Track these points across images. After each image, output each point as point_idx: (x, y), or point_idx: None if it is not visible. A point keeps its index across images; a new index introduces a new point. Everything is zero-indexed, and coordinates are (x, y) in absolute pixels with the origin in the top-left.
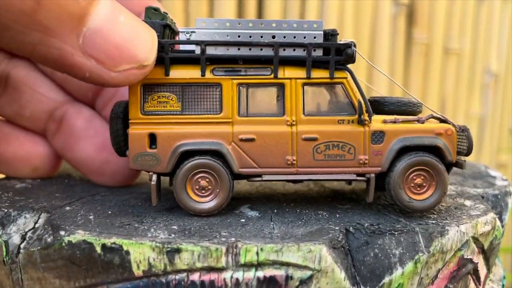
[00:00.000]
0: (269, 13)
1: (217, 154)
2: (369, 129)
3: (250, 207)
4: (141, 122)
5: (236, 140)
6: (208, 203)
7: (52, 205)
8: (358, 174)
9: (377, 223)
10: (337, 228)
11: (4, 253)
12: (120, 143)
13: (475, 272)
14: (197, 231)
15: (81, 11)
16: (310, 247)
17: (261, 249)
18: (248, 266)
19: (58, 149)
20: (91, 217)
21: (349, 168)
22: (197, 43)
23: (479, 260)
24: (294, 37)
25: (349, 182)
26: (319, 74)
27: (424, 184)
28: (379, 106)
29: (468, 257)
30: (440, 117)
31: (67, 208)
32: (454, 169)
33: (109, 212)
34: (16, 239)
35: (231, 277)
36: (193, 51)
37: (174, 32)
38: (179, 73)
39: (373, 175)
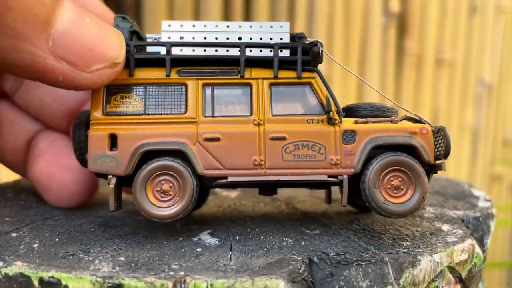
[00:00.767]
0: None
1: (181, 156)
2: (339, 129)
3: (211, 233)
4: (102, 122)
5: (200, 140)
6: (170, 208)
7: None
8: (330, 176)
9: (344, 252)
10: (300, 258)
11: None
12: (82, 149)
13: None
14: (145, 263)
15: (47, 13)
16: (266, 282)
17: (211, 285)
18: None
19: (28, 174)
20: (35, 245)
21: (320, 169)
22: (162, 44)
23: None
24: (261, 39)
25: (328, 199)
26: (287, 74)
27: (402, 187)
28: (352, 112)
29: (444, 287)
30: (415, 117)
31: (13, 234)
32: (436, 188)
33: (57, 239)
34: None
35: None
36: (159, 53)
37: (142, 40)
38: (143, 74)
39: (345, 176)
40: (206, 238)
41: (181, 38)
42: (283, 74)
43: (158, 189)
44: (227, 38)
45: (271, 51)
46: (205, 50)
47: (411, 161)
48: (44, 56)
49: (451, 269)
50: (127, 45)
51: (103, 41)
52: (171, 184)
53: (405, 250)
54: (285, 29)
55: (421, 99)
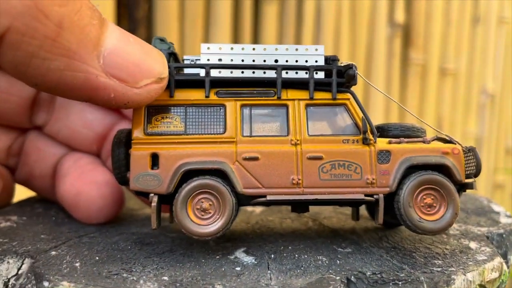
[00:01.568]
0: (264, 37)
1: (220, 175)
2: (374, 149)
3: (246, 251)
4: (143, 142)
5: (239, 159)
6: (210, 226)
7: (37, 249)
8: (366, 195)
9: (380, 271)
10: (338, 277)
11: None
12: (121, 167)
13: None
14: (190, 283)
15: (97, 32)
16: None
17: None
18: None
19: (56, 196)
20: (77, 264)
21: (356, 188)
22: (202, 66)
23: None
24: (296, 61)
25: (356, 216)
26: (322, 95)
27: (435, 205)
28: (383, 132)
29: None
30: (446, 137)
31: (53, 253)
32: None
33: (97, 258)
34: None
35: None
36: (198, 75)
37: (179, 61)
38: (183, 95)
39: (381, 195)
40: (242, 256)
41: (220, 60)
42: (318, 95)
43: (198, 207)
44: (264, 61)
45: (306, 73)
46: (242, 72)
47: (443, 180)
48: (97, 73)
49: (482, 287)
50: (167, 66)
51: (148, 58)
52: (210, 202)
53: (439, 269)
54: (320, 52)
55: (425, 108)
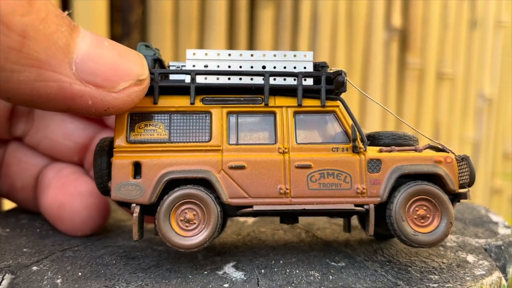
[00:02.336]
0: (260, 42)
1: (205, 184)
2: (364, 157)
3: (235, 265)
4: (125, 150)
5: (225, 168)
6: (194, 237)
7: (18, 264)
8: (356, 205)
9: (374, 287)
10: None
11: None
12: (104, 177)
13: None
14: None
15: (65, 39)
16: None
17: None
18: None
19: (40, 208)
20: (58, 280)
21: (346, 198)
22: (187, 72)
23: None
24: (284, 67)
25: (347, 227)
26: (311, 102)
27: (428, 216)
28: (374, 140)
29: None
30: (439, 146)
31: (34, 268)
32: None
33: (79, 273)
34: None
35: None
36: (183, 81)
37: (165, 67)
38: (168, 102)
39: (372, 205)
40: (231, 271)
41: (206, 66)
42: (307, 102)
43: (182, 218)
44: (251, 67)
45: (294, 79)
46: (229, 79)
47: (436, 190)
48: (70, 81)
49: None
50: (151, 72)
51: (124, 60)
52: (194, 213)
53: (435, 285)
54: (308, 58)
55: (422, 113)
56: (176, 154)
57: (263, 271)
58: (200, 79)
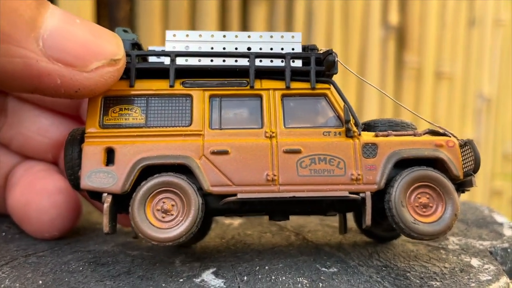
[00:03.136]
0: None
1: (185, 171)
2: (359, 141)
3: (215, 272)
4: (98, 135)
5: (207, 153)
6: (171, 230)
7: None
8: (351, 193)
9: None
10: None
11: None
12: (75, 168)
13: None
14: None
15: (32, 13)
16: None
17: None
18: None
19: (7, 208)
20: None
21: (339, 185)
22: (167, 54)
23: None
24: (271, 49)
25: (343, 228)
26: (300, 85)
27: (431, 205)
28: (369, 129)
29: None
30: (439, 130)
31: None
32: None
33: (40, 281)
34: None
35: None
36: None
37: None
38: (145, 85)
39: (368, 193)
40: (210, 279)
41: (187, 47)
42: (296, 85)
43: (158, 208)
44: (236, 49)
45: (282, 61)
46: (212, 61)
47: (439, 176)
48: (37, 58)
49: None
50: (128, 54)
51: (98, 38)
52: (173, 203)
53: None
54: (297, 39)
55: (420, 113)
56: (153, 139)
57: (245, 278)
58: (180, 61)
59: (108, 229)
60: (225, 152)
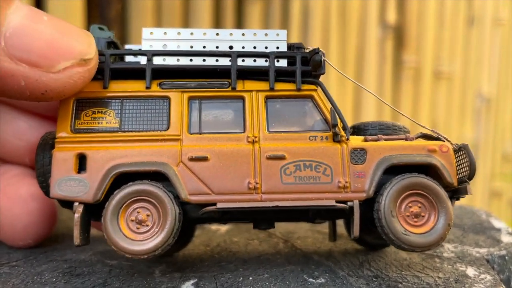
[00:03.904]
0: None
1: (161, 178)
2: (347, 146)
3: (196, 283)
4: (69, 141)
5: (184, 159)
6: (146, 242)
7: None
8: (338, 201)
9: None
10: None
11: None
12: (46, 174)
13: None
14: None
15: None
16: None
17: None
18: None
19: None
20: None
21: (326, 193)
22: (143, 53)
23: None
24: (254, 47)
25: (333, 235)
26: (285, 86)
27: (423, 214)
28: (359, 132)
29: None
30: (433, 134)
31: None
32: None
33: None
34: None
35: None
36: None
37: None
38: (120, 86)
39: (356, 202)
40: None
41: (165, 46)
42: (280, 86)
43: (133, 218)
44: (217, 47)
45: (266, 60)
46: (191, 60)
47: (432, 183)
48: None
49: None
50: (101, 54)
51: (66, 36)
52: (148, 213)
53: None
54: (281, 37)
55: (419, 113)
56: (128, 145)
57: None
58: (157, 61)
59: (79, 241)
60: (204, 159)
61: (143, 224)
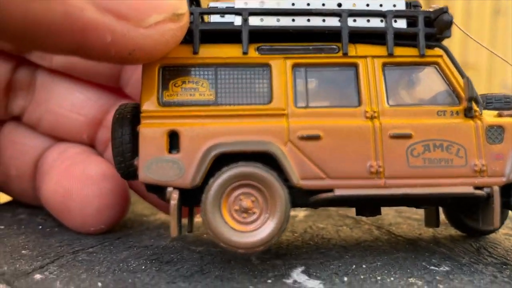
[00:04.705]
0: None
1: (267, 160)
2: (482, 124)
3: (305, 271)
4: (157, 116)
5: (293, 138)
6: (256, 232)
7: (15, 271)
8: (475, 187)
9: None
10: None
11: None
12: (126, 153)
13: None
14: None
15: None
16: None
17: None
18: None
19: (41, 199)
20: None
21: (460, 178)
22: (238, 11)
23: None
24: (367, 5)
25: (435, 221)
26: (405, 52)
27: None
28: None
29: None
30: None
31: (37, 276)
32: None
33: (99, 284)
34: None
35: None
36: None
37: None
38: (212, 52)
39: (496, 188)
40: (303, 279)
41: (261, 4)
42: (399, 51)
43: (237, 207)
44: (323, 5)
45: (382, 21)
46: (293, 20)
47: None
48: (82, 6)
49: None
50: (189, 12)
51: None
52: (253, 199)
53: None
54: None
55: None
56: (226, 121)
57: (345, 279)
58: (254, 21)
59: (176, 232)
60: (316, 137)
61: (249, 212)
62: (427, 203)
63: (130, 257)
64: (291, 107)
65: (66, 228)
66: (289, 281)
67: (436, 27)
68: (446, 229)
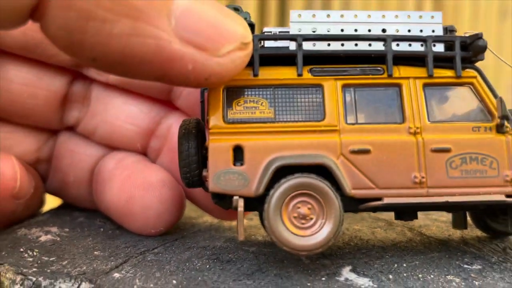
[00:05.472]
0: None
1: (321, 172)
2: None
3: (353, 270)
4: (223, 132)
5: (345, 152)
6: (313, 237)
7: (95, 270)
8: (507, 195)
9: None
10: None
11: None
12: (192, 165)
13: None
14: None
15: None
16: None
17: None
18: None
19: (100, 205)
20: None
21: (493, 187)
22: (292, 37)
23: None
24: (409, 31)
25: (462, 223)
26: (443, 73)
27: None
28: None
29: None
30: None
31: (116, 275)
32: None
33: (174, 281)
34: None
35: None
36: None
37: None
38: (270, 73)
39: None
40: (353, 277)
41: (314, 31)
42: (437, 73)
43: (295, 214)
44: (369, 30)
45: (422, 45)
46: (342, 45)
47: None
48: (170, 39)
49: None
50: None
51: (227, 18)
52: (309, 206)
53: None
54: (437, 20)
55: None
56: (284, 136)
57: (390, 276)
58: (307, 46)
59: (243, 236)
60: (366, 151)
61: (307, 218)
62: (463, 209)
63: (193, 257)
64: (342, 123)
65: (126, 230)
66: (341, 279)
67: (471, 51)
68: (472, 231)
